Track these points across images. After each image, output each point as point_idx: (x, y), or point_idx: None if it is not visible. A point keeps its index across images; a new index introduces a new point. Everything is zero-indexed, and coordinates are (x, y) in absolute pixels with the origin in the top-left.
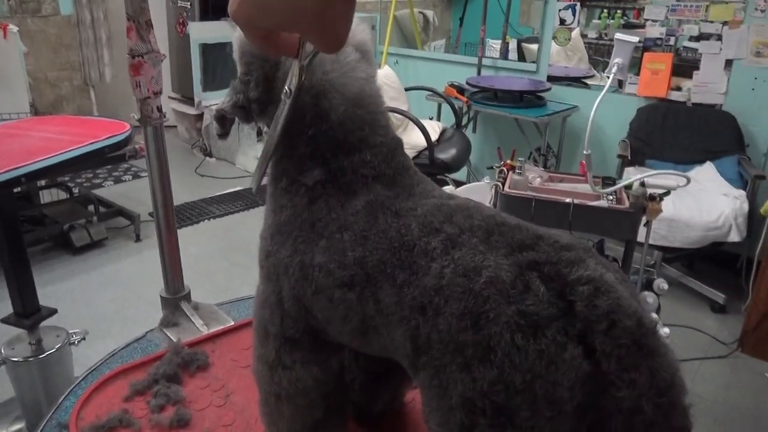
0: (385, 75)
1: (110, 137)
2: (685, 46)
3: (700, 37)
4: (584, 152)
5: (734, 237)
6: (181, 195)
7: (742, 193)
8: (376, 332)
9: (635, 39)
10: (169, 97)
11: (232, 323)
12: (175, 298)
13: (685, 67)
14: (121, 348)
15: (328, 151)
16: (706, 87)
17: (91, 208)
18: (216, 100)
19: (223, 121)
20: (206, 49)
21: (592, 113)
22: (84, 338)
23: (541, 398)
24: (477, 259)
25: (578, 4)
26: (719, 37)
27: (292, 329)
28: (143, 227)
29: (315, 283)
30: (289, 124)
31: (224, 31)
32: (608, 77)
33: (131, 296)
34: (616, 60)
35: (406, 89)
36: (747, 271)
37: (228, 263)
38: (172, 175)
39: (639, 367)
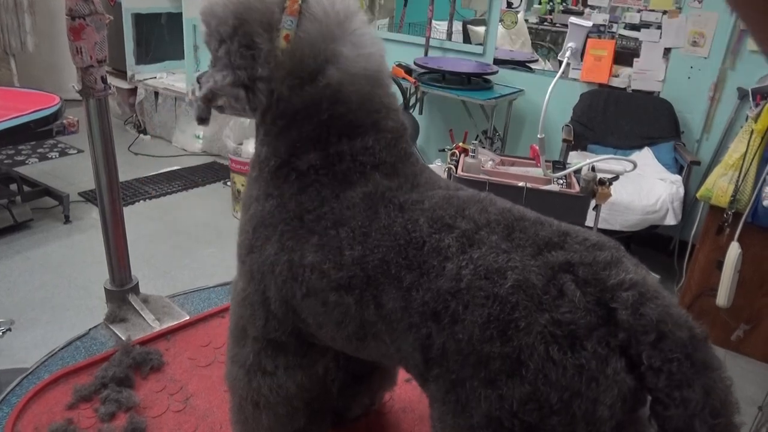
0: None
1: (37, 111)
2: (621, 34)
3: (641, 26)
4: (538, 136)
5: (670, 220)
6: None
7: (678, 177)
8: (377, 339)
9: (589, 23)
10: None
11: (188, 317)
12: (122, 290)
13: (624, 55)
14: (60, 348)
15: (334, 135)
16: (646, 74)
17: (13, 187)
18: (150, 73)
19: (212, 103)
20: (139, 19)
21: (547, 97)
22: (9, 329)
23: (580, 419)
24: (500, 259)
25: None
26: (659, 26)
27: (277, 332)
28: (73, 208)
29: (306, 285)
30: (300, 108)
31: (159, 1)
32: (562, 60)
33: (61, 282)
34: (570, 44)
35: None
36: (680, 253)
37: (167, 246)
38: None
39: (692, 384)
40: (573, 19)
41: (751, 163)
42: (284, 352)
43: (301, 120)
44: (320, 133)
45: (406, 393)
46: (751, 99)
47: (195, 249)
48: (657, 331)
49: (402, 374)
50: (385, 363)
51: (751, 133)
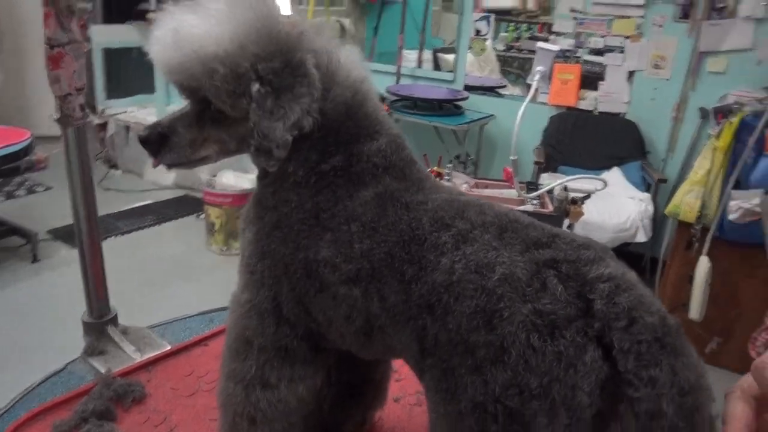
0: None
1: (4, 147)
2: (586, 60)
3: (604, 50)
4: (511, 158)
5: (641, 237)
6: None
7: (646, 195)
8: (382, 332)
9: (556, 48)
10: None
11: (169, 347)
12: (101, 322)
13: (589, 79)
14: (37, 384)
15: (353, 137)
16: (611, 96)
17: None
18: (121, 108)
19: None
20: (110, 54)
21: (518, 120)
22: None
23: (559, 403)
24: (490, 255)
25: (492, 15)
26: (622, 50)
27: (289, 337)
28: (42, 247)
29: (319, 280)
30: (338, 116)
31: (129, 35)
32: (530, 85)
33: (30, 325)
34: (539, 68)
35: None
36: (651, 270)
37: (138, 283)
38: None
39: (660, 363)
40: (540, 44)
41: (715, 179)
42: (291, 362)
43: (336, 127)
44: (350, 136)
45: (395, 412)
46: (712, 118)
47: (169, 284)
48: (628, 317)
49: (391, 393)
50: (388, 357)
51: (714, 150)
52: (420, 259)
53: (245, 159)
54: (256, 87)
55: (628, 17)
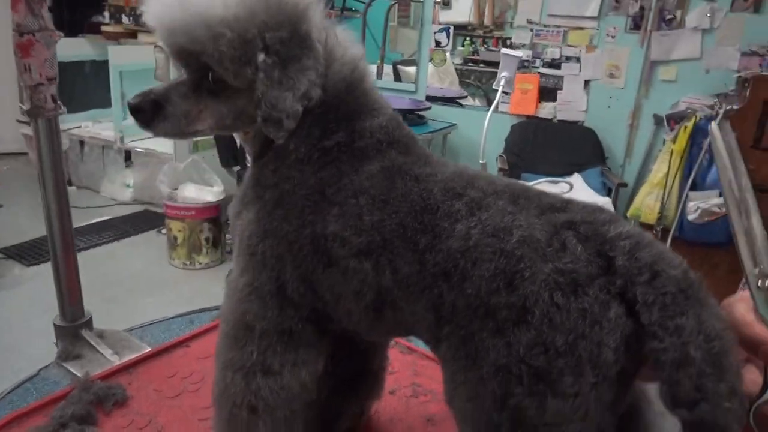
0: None
1: None
2: (543, 73)
3: (562, 61)
4: (480, 161)
5: None
6: (38, 228)
7: (608, 200)
8: (393, 306)
9: (520, 54)
10: (19, 121)
11: (149, 349)
12: (74, 325)
13: (546, 90)
14: (8, 391)
15: (354, 114)
16: (569, 105)
17: None
18: (75, 123)
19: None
20: (62, 67)
21: (486, 123)
22: None
23: (585, 360)
24: (506, 219)
25: (451, 27)
26: (578, 60)
27: (293, 319)
28: None
29: (328, 255)
30: (340, 91)
31: (82, 49)
32: (490, 98)
33: None
34: (504, 73)
35: None
36: None
37: (99, 299)
38: (26, 207)
39: (685, 312)
40: (505, 50)
41: (673, 181)
42: (294, 346)
43: (337, 104)
44: (351, 112)
45: (392, 404)
46: (666, 124)
47: (131, 300)
48: (651, 271)
49: (386, 386)
50: (395, 335)
51: (671, 153)
52: (433, 228)
53: (207, 172)
54: (262, 57)
55: (583, 29)
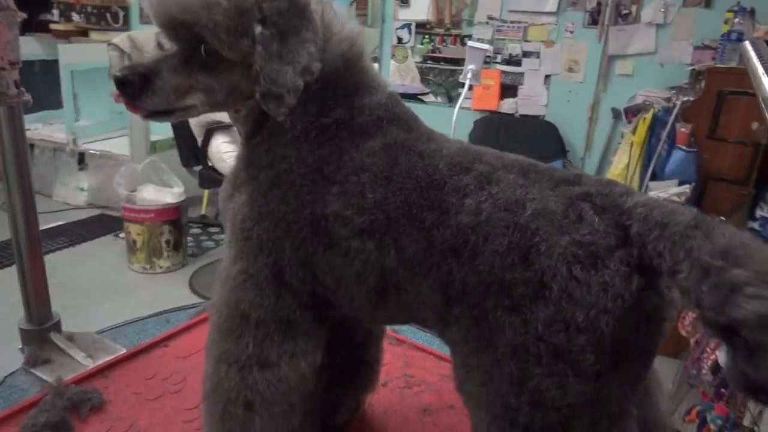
0: None
1: None
2: (504, 71)
3: (522, 56)
4: None
5: None
6: None
7: None
8: (398, 289)
9: (486, 46)
10: None
11: (124, 351)
12: (42, 328)
13: (505, 87)
14: None
15: (352, 90)
16: (530, 100)
17: None
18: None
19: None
20: None
21: (455, 116)
22: None
23: (607, 337)
24: (519, 192)
25: (413, 23)
26: (538, 55)
27: (291, 306)
28: None
29: (329, 236)
30: (337, 67)
31: (30, 48)
32: (451, 95)
33: None
34: (470, 66)
35: None
36: None
37: (56, 307)
38: None
39: (695, 236)
40: (471, 43)
41: (634, 172)
42: (293, 335)
43: (335, 80)
44: (350, 89)
45: (386, 396)
46: (624, 117)
47: (88, 307)
48: (660, 225)
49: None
50: (398, 321)
51: (631, 144)
52: (440, 204)
53: (166, 173)
54: (259, 28)
55: (542, 24)
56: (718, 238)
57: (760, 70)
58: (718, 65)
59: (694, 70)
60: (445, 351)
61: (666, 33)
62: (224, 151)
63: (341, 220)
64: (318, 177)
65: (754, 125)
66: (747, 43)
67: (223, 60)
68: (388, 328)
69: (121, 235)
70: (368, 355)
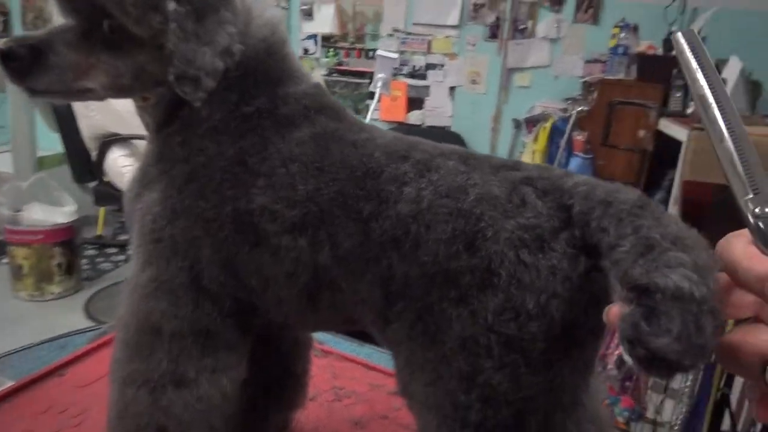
0: (126, 103)
1: None
2: (410, 85)
3: (421, 71)
4: None
5: None
6: None
7: None
8: (331, 289)
9: (396, 55)
10: None
11: (12, 383)
12: None
13: (411, 101)
14: None
15: (276, 78)
16: (436, 111)
17: None
18: None
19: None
20: None
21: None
22: None
23: (558, 323)
24: (460, 178)
25: (319, 35)
26: (443, 67)
27: (210, 315)
28: None
29: (255, 233)
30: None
31: None
32: (360, 107)
33: None
34: (380, 75)
35: None
36: None
37: None
38: None
39: (645, 217)
40: (380, 51)
41: None
42: (213, 348)
43: (256, 67)
44: (273, 77)
45: (314, 411)
46: (524, 127)
47: None
48: (603, 204)
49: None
50: (329, 325)
51: (533, 152)
52: (378, 193)
53: (56, 190)
54: (173, 5)
55: (445, 37)
56: (670, 225)
57: (694, 64)
58: (607, 77)
59: (585, 82)
60: (374, 360)
61: (559, 47)
62: (122, 165)
63: (269, 214)
64: (240, 170)
65: (641, 133)
66: (680, 35)
67: (130, 37)
68: (314, 339)
69: (5, 260)
70: (296, 367)
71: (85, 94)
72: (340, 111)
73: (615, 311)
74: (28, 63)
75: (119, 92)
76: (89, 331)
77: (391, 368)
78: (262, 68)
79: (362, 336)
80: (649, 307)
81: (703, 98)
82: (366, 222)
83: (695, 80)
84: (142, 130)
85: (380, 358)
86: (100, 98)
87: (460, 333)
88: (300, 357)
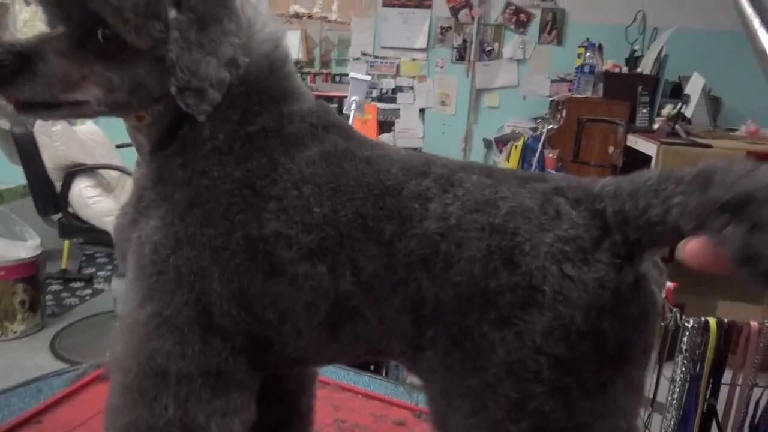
0: (90, 131)
1: None
2: (380, 108)
3: (387, 95)
4: None
5: None
6: None
7: None
8: (354, 318)
9: (368, 77)
10: None
11: None
12: None
13: (381, 124)
14: None
15: (280, 96)
16: (407, 132)
17: None
18: None
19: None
20: None
21: None
22: None
23: (611, 340)
24: (488, 192)
25: None
26: (412, 89)
27: (221, 353)
28: None
29: (269, 262)
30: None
31: None
32: (348, 114)
33: None
34: (354, 97)
35: (117, 146)
36: None
37: None
38: None
39: (675, 179)
40: (353, 74)
41: None
42: (224, 390)
43: (259, 83)
44: (277, 94)
45: None
46: (495, 147)
47: None
48: (631, 193)
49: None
50: (351, 357)
51: None
52: (400, 211)
53: (18, 224)
54: (174, 13)
55: (414, 60)
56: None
57: (756, 22)
58: (575, 95)
59: (553, 101)
60: (372, 388)
61: (526, 68)
62: (88, 196)
63: (284, 240)
64: (249, 193)
65: (610, 149)
66: None
67: (127, 48)
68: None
69: None
70: (301, 405)
71: (76, 109)
72: (348, 128)
73: (694, 243)
74: (13, 70)
75: (113, 108)
76: (66, 372)
77: (390, 396)
78: (265, 85)
79: (359, 365)
80: (747, 219)
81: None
82: (389, 243)
83: (757, 39)
84: (107, 160)
85: (379, 386)
86: (92, 114)
87: (505, 357)
88: (305, 393)
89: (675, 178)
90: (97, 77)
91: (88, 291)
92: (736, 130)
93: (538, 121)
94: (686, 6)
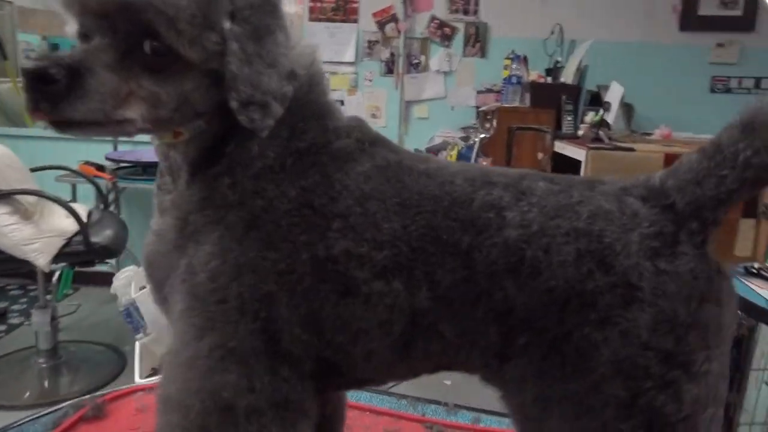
0: (5, 155)
1: None
2: None
3: None
4: None
5: None
6: None
7: None
8: (430, 335)
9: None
10: None
11: None
12: None
13: None
14: None
15: (322, 111)
16: None
17: None
18: None
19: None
20: None
21: None
22: None
23: (712, 329)
24: (561, 197)
25: None
26: (343, 103)
27: (290, 381)
28: None
29: (342, 282)
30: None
31: None
32: None
33: None
34: None
35: (32, 170)
36: None
37: None
38: None
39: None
40: None
41: None
42: (293, 420)
43: (302, 99)
44: (318, 109)
45: None
46: None
47: None
48: (693, 180)
49: None
50: (418, 373)
51: None
52: (474, 222)
53: None
54: (228, 24)
55: (343, 74)
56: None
57: None
58: (505, 105)
59: (482, 111)
60: (376, 403)
61: (453, 79)
62: (5, 224)
63: (356, 259)
64: (309, 212)
65: (540, 156)
66: None
67: (177, 61)
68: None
69: None
70: (336, 429)
71: (123, 126)
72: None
73: None
74: (64, 87)
75: (157, 125)
76: (43, 416)
77: (395, 410)
78: (308, 100)
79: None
80: None
81: None
82: (467, 254)
83: None
84: (23, 184)
85: (381, 401)
86: (134, 132)
87: (611, 356)
88: (339, 419)
89: (721, 144)
90: (143, 92)
91: (2, 327)
92: (651, 134)
93: (470, 130)
94: (600, 20)
